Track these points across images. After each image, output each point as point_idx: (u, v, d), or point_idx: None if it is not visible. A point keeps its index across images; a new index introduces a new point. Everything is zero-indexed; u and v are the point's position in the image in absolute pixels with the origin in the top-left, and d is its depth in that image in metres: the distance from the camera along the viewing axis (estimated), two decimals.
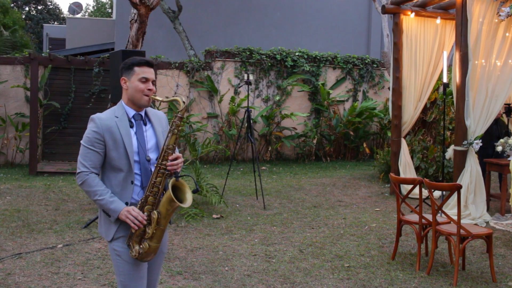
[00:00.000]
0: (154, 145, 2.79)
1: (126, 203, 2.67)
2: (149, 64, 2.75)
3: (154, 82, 2.77)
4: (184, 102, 2.75)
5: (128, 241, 2.68)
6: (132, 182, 2.69)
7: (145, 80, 2.71)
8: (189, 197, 2.71)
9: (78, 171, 2.67)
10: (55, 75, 11.10)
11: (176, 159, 2.69)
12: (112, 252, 2.72)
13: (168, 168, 2.66)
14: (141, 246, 2.65)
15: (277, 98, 11.91)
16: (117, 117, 2.70)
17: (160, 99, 2.79)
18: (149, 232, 2.65)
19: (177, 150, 2.83)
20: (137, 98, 2.72)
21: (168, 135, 2.70)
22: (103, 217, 2.74)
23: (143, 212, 2.65)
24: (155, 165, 2.69)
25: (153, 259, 2.80)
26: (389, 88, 8.67)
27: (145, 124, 2.80)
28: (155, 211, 2.66)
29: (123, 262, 2.69)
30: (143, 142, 2.74)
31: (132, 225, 2.62)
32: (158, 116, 2.90)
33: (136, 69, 2.71)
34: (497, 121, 7.72)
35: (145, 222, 2.64)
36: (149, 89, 2.72)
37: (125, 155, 2.67)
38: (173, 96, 2.79)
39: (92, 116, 2.71)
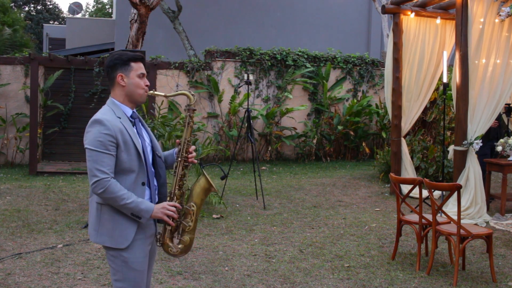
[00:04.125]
0: (150, 142, 2.76)
1: None
2: (143, 59, 2.73)
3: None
4: (193, 94, 2.80)
5: (161, 239, 2.66)
6: (143, 184, 2.62)
7: (142, 75, 2.69)
8: (211, 182, 2.79)
9: (95, 179, 2.47)
10: (53, 75, 11.08)
11: (193, 150, 2.77)
12: (118, 258, 2.59)
13: (190, 160, 2.72)
14: (182, 240, 2.66)
15: (287, 94, 11.91)
16: (120, 118, 2.61)
17: (162, 94, 2.82)
18: (191, 224, 2.66)
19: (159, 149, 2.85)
20: (137, 94, 2.68)
21: (185, 128, 2.75)
22: (109, 224, 2.57)
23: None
24: (178, 159, 2.72)
25: (150, 260, 2.79)
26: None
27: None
28: (192, 204, 2.68)
29: (129, 269, 2.58)
30: (143, 140, 2.72)
31: (171, 222, 2.61)
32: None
33: (133, 64, 2.66)
34: (498, 121, 7.70)
35: (176, 217, 2.65)
36: (146, 85, 2.71)
37: (136, 156, 2.59)
38: (178, 90, 2.85)
39: (97, 118, 2.55)
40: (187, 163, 2.71)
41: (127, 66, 2.64)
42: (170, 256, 2.70)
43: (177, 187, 2.68)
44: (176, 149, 2.82)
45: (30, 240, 5.47)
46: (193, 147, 2.75)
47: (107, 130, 2.52)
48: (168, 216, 2.60)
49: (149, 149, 2.73)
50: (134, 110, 2.74)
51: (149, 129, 2.82)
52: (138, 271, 2.61)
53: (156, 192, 2.72)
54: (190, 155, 2.72)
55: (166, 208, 2.58)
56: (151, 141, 2.76)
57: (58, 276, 4.46)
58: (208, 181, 2.71)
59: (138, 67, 2.67)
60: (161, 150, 2.85)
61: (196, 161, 2.78)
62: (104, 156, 2.50)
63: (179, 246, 2.66)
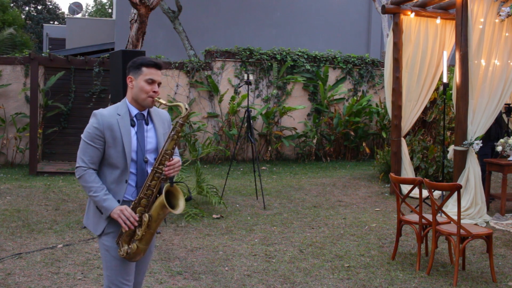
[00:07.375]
0: (154, 146, 2.81)
1: (118, 201, 2.69)
2: (157, 66, 2.76)
3: (159, 85, 2.77)
4: (187, 109, 2.74)
5: (118, 239, 2.71)
6: (126, 181, 2.72)
7: (151, 82, 2.73)
8: (181, 203, 2.71)
9: (77, 165, 2.71)
10: (55, 75, 11.08)
11: (173, 164, 2.69)
12: (102, 247, 2.77)
13: (165, 172, 2.67)
14: (129, 246, 2.68)
15: (275, 92, 11.92)
16: (119, 115, 2.71)
17: (164, 102, 2.78)
18: (139, 234, 2.67)
19: (177, 151, 2.85)
20: (141, 98, 2.74)
21: (168, 140, 2.70)
22: (92, 211, 2.78)
23: (135, 213, 2.67)
24: (152, 168, 2.70)
25: (141, 260, 2.84)
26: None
27: (147, 124, 2.80)
28: (146, 214, 2.67)
29: (111, 257, 2.73)
30: (143, 142, 2.75)
31: (123, 225, 2.65)
32: (161, 117, 2.89)
33: (144, 69, 2.72)
34: (498, 121, 7.70)
35: (136, 224, 2.66)
36: (154, 91, 2.73)
37: (122, 154, 2.69)
38: (176, 101, 2.79)
39: (95, 111, 2.71)
40: (159, 175, 2.66)
41: (138, 70, 2.74)
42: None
43: (143, 196, 2.67)
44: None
45: (30, 240, 5.47)
46: (174, 160, 2.69)
47: (97, 124, 2.67)
48: (123, 220, 2.64)
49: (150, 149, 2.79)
50: (144, 112, 2.79)
51: (160, 131, 2.81)
52: (118, 260, 2.72)
53: None
54: (166, 168, 2.66)
55: (122, 212, 2.64)
56: (157, 143, 2.81)
57: (58, 276, 4.46)
58: (163, 203, 2.63)
59: (148, 73, 2.72)
60: None
61: (175, 174, 2.71)
62: (88, 147, 2.68)
63: (128, 250, 2.68)
